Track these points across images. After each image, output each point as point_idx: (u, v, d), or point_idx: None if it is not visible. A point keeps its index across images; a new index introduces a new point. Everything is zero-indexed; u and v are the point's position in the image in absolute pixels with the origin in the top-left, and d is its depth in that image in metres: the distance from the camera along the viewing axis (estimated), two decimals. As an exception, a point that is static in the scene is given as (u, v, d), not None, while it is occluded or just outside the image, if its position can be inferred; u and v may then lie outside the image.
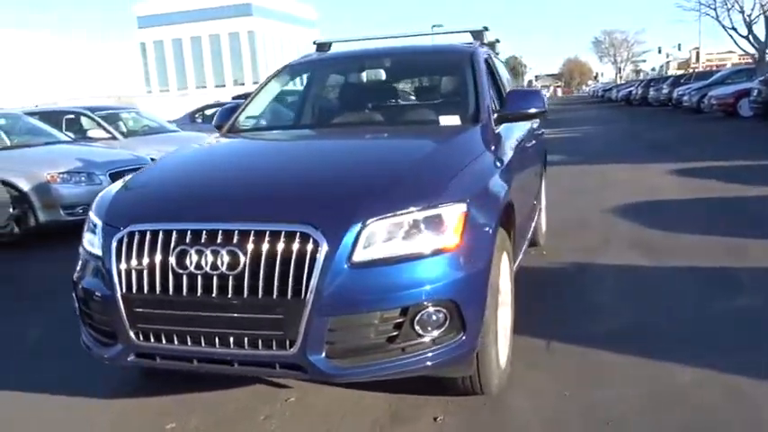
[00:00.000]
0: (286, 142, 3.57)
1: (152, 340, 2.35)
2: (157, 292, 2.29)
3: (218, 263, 2.22)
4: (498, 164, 3.01)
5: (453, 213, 2.36)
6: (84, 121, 10.15)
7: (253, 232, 2.22)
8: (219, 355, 2.28)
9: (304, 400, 2.80)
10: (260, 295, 2.19)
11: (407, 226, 2.28)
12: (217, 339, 2.27)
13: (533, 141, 4.49)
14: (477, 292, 2.38)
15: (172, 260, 2.27)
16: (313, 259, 2.17)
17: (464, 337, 2.34)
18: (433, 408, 2.69)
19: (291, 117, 4.06)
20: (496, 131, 3.34)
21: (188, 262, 2.25)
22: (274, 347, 2.21)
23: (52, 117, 9.88)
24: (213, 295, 2.24)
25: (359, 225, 2.22)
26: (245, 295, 2.20)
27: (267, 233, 2.21)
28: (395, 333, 2.22)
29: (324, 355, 2.19)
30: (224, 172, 2.86)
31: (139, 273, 2.32)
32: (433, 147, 2.87)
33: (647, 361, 3.01)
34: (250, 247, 2.21)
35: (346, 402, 2.75)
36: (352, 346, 2.22)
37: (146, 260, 2.31)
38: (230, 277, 2.22)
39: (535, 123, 4.92)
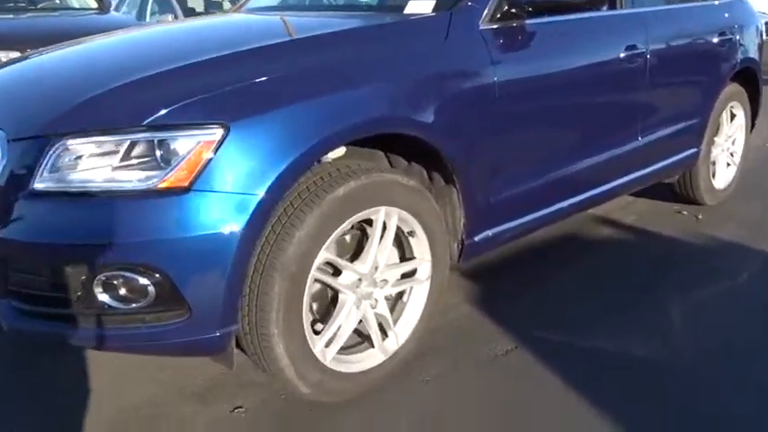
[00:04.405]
0: (175, 29, 2.85)
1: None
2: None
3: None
4: (435, 76, 2.00)
5: (188, 142, 1.58)
6: None
7: None
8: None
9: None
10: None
11: (117, 151, 1.59)
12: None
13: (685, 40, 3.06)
14: (216, 264, 1.60)
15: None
16: (-4, 176, 1.67)
17: (189, 321, 1.63)
18: (251, 394, 2.04)
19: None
20: (511, 25, 2.24)
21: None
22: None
23: None
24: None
25: (45, 141, 1.61)
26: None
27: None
28: (79, 293, 1.63)
29: (3, 295, 1.72)
30: (57, 63, 2.36)
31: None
32: (280, 42, 1.96)
33: None
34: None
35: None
36: (33, 294, 1.69)
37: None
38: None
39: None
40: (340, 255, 1.96)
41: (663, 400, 2.00)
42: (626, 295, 2.67)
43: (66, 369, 2.19)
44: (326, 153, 1.81)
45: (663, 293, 2.69)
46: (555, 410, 1.96)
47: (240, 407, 1.99)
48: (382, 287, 2.01)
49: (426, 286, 2.13)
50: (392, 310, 2.13)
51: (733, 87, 3.60)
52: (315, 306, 1.97)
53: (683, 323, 2.48)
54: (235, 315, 1.68)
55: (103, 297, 1.61)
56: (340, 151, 2.00)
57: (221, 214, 1.59)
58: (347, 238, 2.01)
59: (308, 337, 1.82)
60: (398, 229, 2.04)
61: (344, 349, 1.99)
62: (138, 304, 1.61)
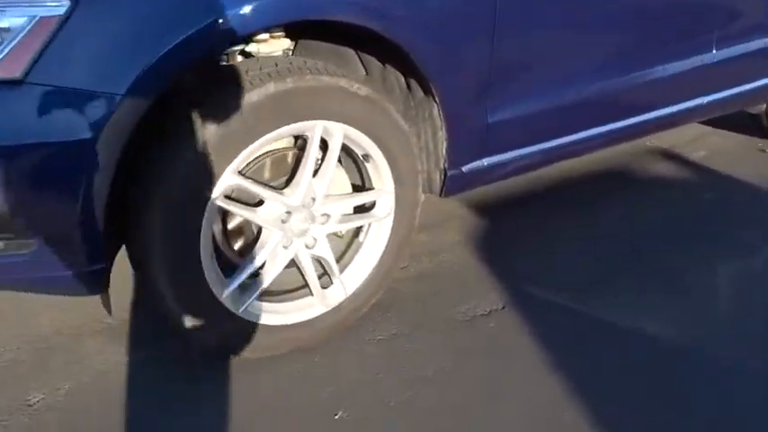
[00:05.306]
0: None
1: None
2: None
3: None
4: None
5: (22, 16, 1.16)
6: None
7: None
8: None
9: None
10: None
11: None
12: None
13: None
14: (62, 184, 1.22)
15: None
16: None
17: (37, 253, 1.27)
18: (167, 338, 1.71)
19: None
20: None
21: None
22: None
23: None
24: None
25: None
26: None
27: None
28: None
29: None
30: None
31: None
32: None
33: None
34: None
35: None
36: None
37: None
38: None
39: None
40: (273, 179, 1.54)
41: (666, 392, 1.52)
42: (662, 251, 2.12)
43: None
44: (230, 42, 1.36)
45: (712, 251, 2.13)
46: (526, 391, 1.52)
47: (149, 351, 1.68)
48: (323, 223, 1.59)
49: (388, 225, 1.69)
50: (344, 252, 1.72)
51: None
52: (239, 242, 1.58)
53: (725, 293, 1.94)
54: (101, 250, 1.31)
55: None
56: (281, 44, 1.54)
57: (67, 117, 1.18)
58: (288, 157, 1.58)
59: (209, 281, 1.44)
60: (351, 151, 1.59)
61: (274, 295, 1.61)
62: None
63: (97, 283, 1.34)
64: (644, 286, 1.93)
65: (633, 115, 2.08)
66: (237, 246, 1.57)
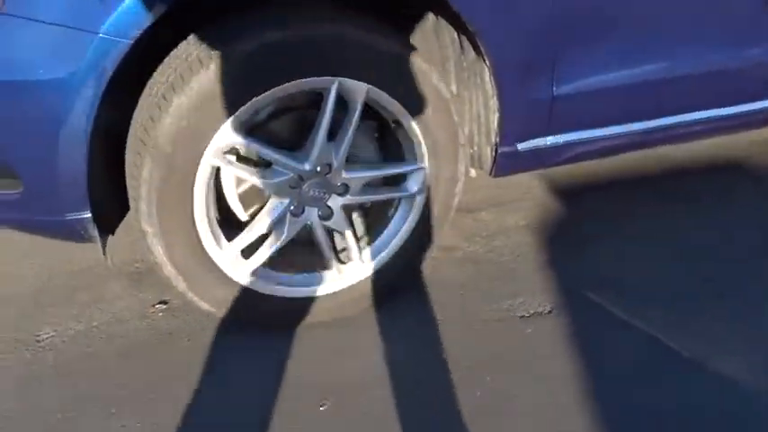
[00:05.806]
0: None
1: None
2: None
3: None
4: None
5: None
6: None
7: None
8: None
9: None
10: None
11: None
12: None
13: None
14: (42, 126, 1.14)
15: None
16: None
17: (23, 195, 1.23)
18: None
19: None
20: None
21: None
22: None
23: None
24: None
25: None
26: None
27: None
28: None
29: None
30: None
31: None
32: None
33: None
34: None
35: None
36: None
37: None
38: None
39: None
40: (289, 139, 1.39)
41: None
42: (749, 266, 1.74)
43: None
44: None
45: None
46: (546, 415, 1.30)
47: (165, 302, 1.63)
48: (341, 193, 1.42)
49: (418, 203, 1.49)
50: (370, 226, 1.55)
51: None
52: (253, 205, 1.46)
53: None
54: (86, 198, 1.24)
55: None
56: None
57: (45, 53, 1.10)
58: (308, 116, 1.41)
59: (204, 243, 1.34)
60: (378, 115, 1.40)
61: (284, 265, 1.49)
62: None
63: (86, 229, 1.28)
64: (724, 314, 1.58)
65: (748, 100, 1.69)
66: (251, 209, 1.45)
